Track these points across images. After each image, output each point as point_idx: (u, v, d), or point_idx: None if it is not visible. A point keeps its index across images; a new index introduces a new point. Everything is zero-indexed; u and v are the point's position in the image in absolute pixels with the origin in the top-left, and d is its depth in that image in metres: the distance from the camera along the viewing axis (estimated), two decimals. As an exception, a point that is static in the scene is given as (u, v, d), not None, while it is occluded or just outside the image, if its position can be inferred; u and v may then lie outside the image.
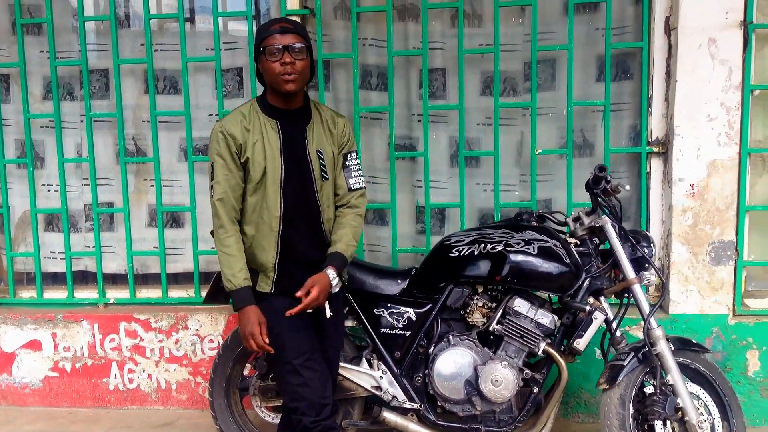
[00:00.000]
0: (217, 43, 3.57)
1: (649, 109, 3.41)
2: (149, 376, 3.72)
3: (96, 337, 3.71)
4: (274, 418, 3.02)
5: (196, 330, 3.67)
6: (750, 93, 3.28)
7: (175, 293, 3.81)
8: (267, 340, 2.35)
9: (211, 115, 3.74)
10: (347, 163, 2.57)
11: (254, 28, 3.55)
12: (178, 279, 3.87)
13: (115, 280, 3.91)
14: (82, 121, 3.78)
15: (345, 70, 3.63)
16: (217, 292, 3.09)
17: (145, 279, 3.90)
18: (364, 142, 3.63)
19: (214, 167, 2.39)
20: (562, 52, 3.44)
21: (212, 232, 2.47)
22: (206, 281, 3.77)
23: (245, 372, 3.18)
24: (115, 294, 3.85)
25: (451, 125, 3.61)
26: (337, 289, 2.46)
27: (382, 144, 3.66)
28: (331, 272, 2.42)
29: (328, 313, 2.48)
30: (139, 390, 3.74)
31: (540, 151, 3.47)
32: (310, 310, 2.43)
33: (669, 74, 3.36)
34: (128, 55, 3.74)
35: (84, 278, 3.92)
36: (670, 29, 3.34)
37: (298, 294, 2.35)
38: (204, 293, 3.59)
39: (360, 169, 2.59)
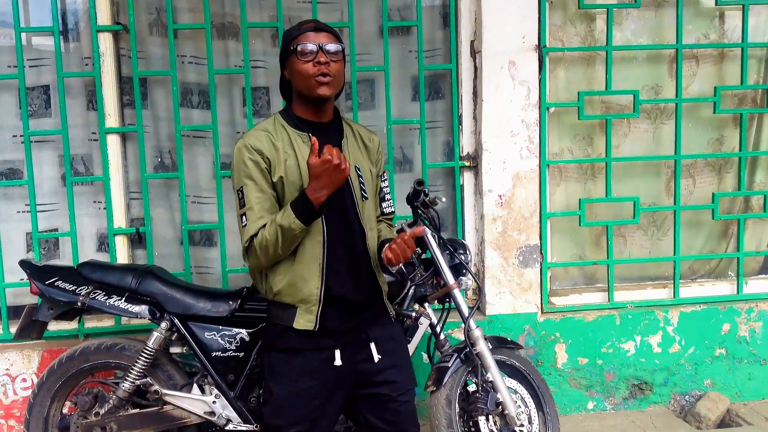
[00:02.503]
0: (20, 60, 3.33)
1: (460, 127, 3.66)
2: (-48, 423, 3.37)
3: None
4: (100, 456, 2.86)
5: (7, 369, 3.37)
6: (546, 110, 3.62)
7: (-21, 330, 3.48)
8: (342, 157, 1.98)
9: (14, 136, 3.47)
10: (381, 185, 2.37)
11: (62, 44, 3.36)
12: (-19, 315, 3.54)
13: None
14: None
15: (164, 88, 3.53)
16: (29, 327, 2.90)
17: (-60, 317, 3.53)
18: (188, 161, 3.54)
19: (244, 192, 2.08)
20: (380, 72, 3.60)
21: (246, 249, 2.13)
22: (15, 316, 3.50)
23: (65, 410, 2.98)
24: None
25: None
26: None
27: (206, 162, 3.60)
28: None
29: (376, 357, 2.21)
30: (-59, 440, 3.38)
31: (362, 167, 3.59)
32: (338, 363, 2.16)
33: (476, 94, 3.63)
34: None
35: None
36: (475, 52, 3.60)
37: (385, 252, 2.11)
38: (12, 329, 3.37)
39: (390, 192, 2.42)
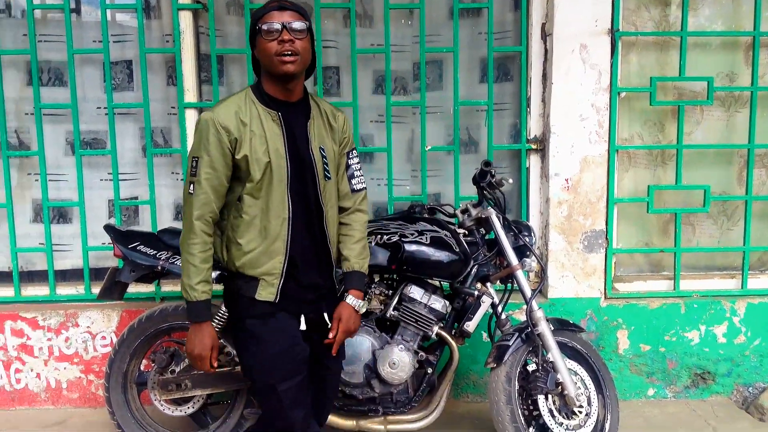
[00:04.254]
0: (105, 36, 3.50)
1: (528, 109, 3.67)
2: (38, 375, 3.60)
3: (-22, 338, 3.56)
4: (174, 411, 3.02)
5: (88, 327, 3.58)
6: (617, 95, 3.59)
7: (64, 290, 3.69)
8: (215, 365, 2.22)
9: (99, 108, 3.66)
10: (349, 162, 2.40)
11: (144, 21, 3.52)
12: (66, 276, 3.76)
13: (-4, 278, 3.76)
14: (-41, 114, 3.61)
15: (239, 66, 3.66)
16: (111, 288, 3.07)
17: (30, 276, 3.77)
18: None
19: (197, 163, 2.12)
20: (449, 54, 3.63)
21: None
22: (97, 278, 3.71)
23: (142, 367, 3.16)
24: (-3, 293, 3.70)
25: (345, 121, 3.73)
26: (364, 310, 2.33)
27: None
28: (352, 300, 2.34)
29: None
30: (27, 390, 3.61)
31: (430, 147, 3.65)
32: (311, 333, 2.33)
33: (545, 77, 3.62)
34: (10, 45, 3.60)
35: (-40, 277, 3.75)
36: (546, 35, 3.60)
37: (330, 336, 2.29)
38: (95, 290, 3.57)
39: (360, 169, 2.44)
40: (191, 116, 3.58)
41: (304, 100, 2.28)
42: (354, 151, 2.42)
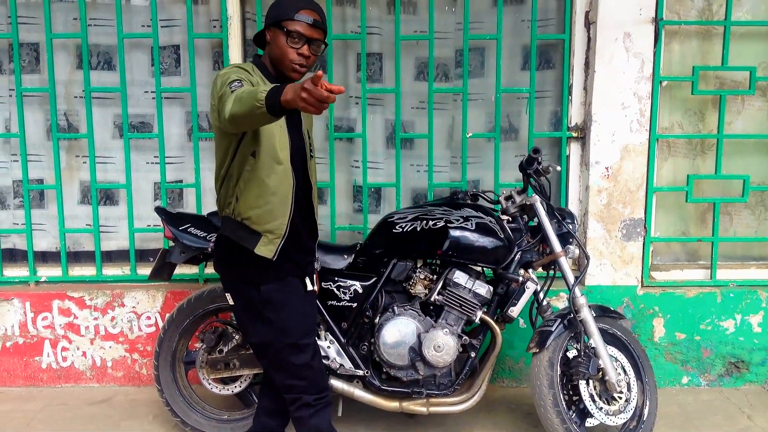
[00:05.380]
0: (154, 20, 3.56)
1: (569, 97, 3.68)
2: (84, 353, 3.70)
3: (28, 316, 3.65)
4: (222, 390, 3.11)
5: (133, 307, 3.67)
6: (659, 84, 3.60)
7: (109, 271, 3.79)
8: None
9: (146, 92, 3.73)
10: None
11: (192, 6, 3.56)
12: (112, 257, 3.85)
13: (45, 258, 3.85)
14: (11, 96, 3.69)
15: (284, 52, 3.70)
16: (161, 269, 3.15)
17: (77, 257, 3.86)
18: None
19: (242, 83, 2.08)
20: (491, 41, 3.65)
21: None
22: (141, 259, 3.80)
23: (191, 346, 3.24)
24: (46, 272, 3.79)
25: (387, 108, 3.77)
26: None
27: (320, 125, 3.76)
28: None
29: (309, 287, 2.50)
30: (73, 368, 3.71)
31: (471, 134, 3.68)
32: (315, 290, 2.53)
33: (588, 65, 3.64)
34: (60, 29, 3.67)
35: (12, 256, 3.85)
36: (589, 23, 3.61)
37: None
38: (141, 270, 3.65)
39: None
40: (236, 101, 3.63)
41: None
42: None
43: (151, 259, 3.84)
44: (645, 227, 3.68)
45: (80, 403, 3.55)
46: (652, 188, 3.67)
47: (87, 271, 3.79)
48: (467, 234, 2.89)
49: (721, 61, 3.63)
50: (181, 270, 3.63)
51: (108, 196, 3.83)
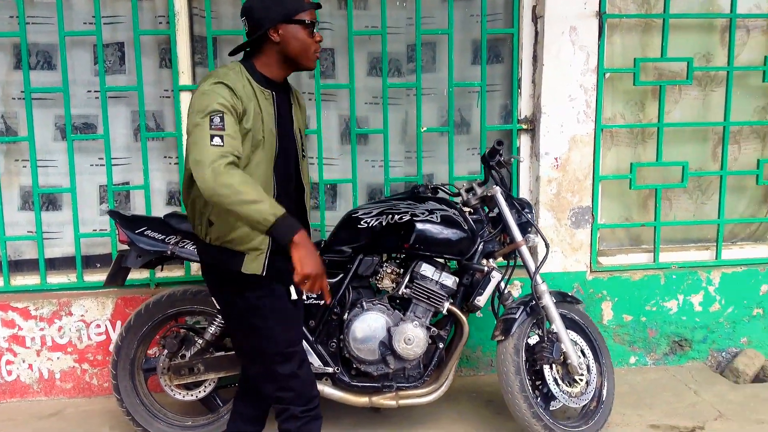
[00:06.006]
0: (98, 17, 3.42)
1: (519, 90, 3.76)
2: (30, 366, 3.54)
3: (-32, 330, 3.46)
4: (185, 396, 3.04)
5: (82, 316, 3.53)
6: (603, 76, 3.72)
7: (55, 279, 3.62)
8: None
9: (89, 91, 3.58)
10: None
11: (137, 3, 3.44)
12: (56, 264, 3.68)
13: (-19, 269, 3.66)
14: (-57, 98, 3.48)
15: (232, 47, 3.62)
16: (116, 274, 3.05)
17: (19, 266, 3.68)
18: (254, 120, 3.65)
19: (222, 118, 2.02)
20: (443, 36, 3.68)
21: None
22: (88, 265, 3.67)
23: (149, 352, 3.15)
24: (-17, 283, 3.60)
25: (340, 104, 3.75)
26: None
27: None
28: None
29: (294, 296, 2.37)
30: (19, 381, 3.54)
31: (425, 128, 3.71)
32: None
33: (536, 58, 3.72)
34: (-4, 27, 3.49)
35: (-55, 268, 3.63)
36: (536, 17, 3.69)
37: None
38: (88, 277, 3.52)
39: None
40: (186, 99, 3.53)
41: (286, 83, 2.37)
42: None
43: (99, 265, 3.71)
44: (592, 215, 3.80)
45: (29, 417, 3.39)
46: (599, 177, 3.80)
47: (30, 279, 3.61)
48: (433, 227, 2.92)
49: (660, 53, 3.79)
50: (131, 275, 3.49)
51: (50, 201, 3.66)
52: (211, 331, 2.96)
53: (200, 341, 2.98)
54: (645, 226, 4.00)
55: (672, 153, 3.94)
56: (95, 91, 3.55)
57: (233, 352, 2.97)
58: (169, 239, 2.92)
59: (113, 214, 3.01)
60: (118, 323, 3.53)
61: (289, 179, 2.32)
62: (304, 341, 2.91)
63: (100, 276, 3.58)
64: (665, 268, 3.91)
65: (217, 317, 2.95)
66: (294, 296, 2.36)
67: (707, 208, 4.11)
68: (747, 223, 4.17)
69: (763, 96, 4.04)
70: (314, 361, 2.95)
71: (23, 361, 3.53)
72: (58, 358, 3.55)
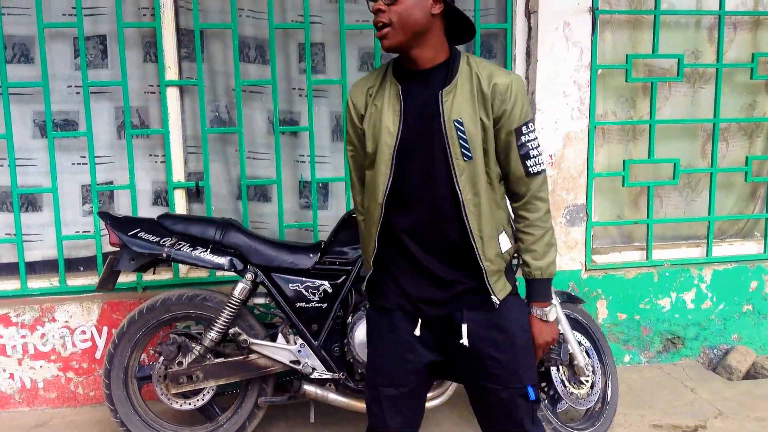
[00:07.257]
0: (79, 8, 3.26)
1: (513, 86, 3.71)
2: (11, 375, 3.36)
3: (-57, 339, 3.27)
4: (183, 404, 2.90)
5: (66, 322, 3.37)
6: (596, 72, 3.70)
7: (36, 283, 3.44)
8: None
9: (70, 86, 3.41)
10: (521, 139, 1.88)
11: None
12: (37, 268, 3.51)
13: (-44, 274, 3.46)
14: None
15: (221, 42, 3.50)
16: (107, 278, 2.91)
17: (-4, 270, 3.50)
18: (244, 117, 3.53)
19: (347, 154, 2.05)
20: (436, 30, 3.61)
21: None
22: (70, 269, 3.49)
23: (142, 360, 3.01)
24: (-40, 290, 3.40)
25: (332, 100, 3.65)
26: (554, 317, 2.00)
27: (263, 118, 3.59)
28: (536, 311, 1.98)
29: (465, 340, 1.90)
30: (0, 392, 3.36)
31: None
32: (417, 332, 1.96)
33: (529, 54, 3.68)
34: (-32, 19, 3.29)
35: None
36: (530, 12, 3.65)
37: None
38: (72, 281, 3.36)
39: (538, 147, 1.92)
40: (172, 94, 3.41)
41: (444, 65, 1.87)
42: (530, 125, 1.90)
43: (82, 269, 3.54)
44: (587, 212, 3.77)
45: (11, 429, 3.22)
46: (592, 174, 3.77)
47: (10, 284, 3.42)
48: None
49: (651, 50, 3.78)
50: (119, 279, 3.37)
51: (30, 202, 3.47)
52: (210, 337, 2.83)
53: (198, 348, 2.85)
54: (638, 224, 3.99)
55: (662, 150, 3.94)
56: (76, 86, 3.38)
57: (233, 359, 2.86)
58: (164, 241, 2.79)
59: (103, 215, 2.85)
60: (105, 329, 3.38)
61: (424, 187, 1.95)
62: (307, 346, 2.85)
63: (84, 280, 3.45)
64: (658, 266, 3.90)
65: (216, 322, 2.82)
66: (417, 332, 1.97)
67: (697, 205, 4.12)
68: (735, 220, 4.19)
69: (750, 93, 4.07)
70: (318, 366, 2.85)
71: (4, 371, 3.35)
72: (41, 366, 3.38)
